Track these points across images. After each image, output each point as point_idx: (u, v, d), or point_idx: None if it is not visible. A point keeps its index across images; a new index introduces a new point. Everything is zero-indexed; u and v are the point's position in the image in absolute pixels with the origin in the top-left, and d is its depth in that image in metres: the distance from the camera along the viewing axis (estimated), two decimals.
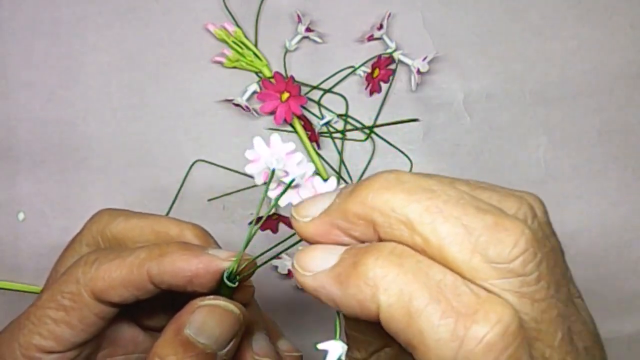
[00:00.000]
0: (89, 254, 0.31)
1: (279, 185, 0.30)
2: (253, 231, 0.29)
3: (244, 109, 0.43)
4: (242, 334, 0.29)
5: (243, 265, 0.29)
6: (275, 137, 0.30)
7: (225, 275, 0.29)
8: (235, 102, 0.43)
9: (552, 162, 0.44)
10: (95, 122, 0.44)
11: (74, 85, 0.44)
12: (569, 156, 0.45)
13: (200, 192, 0.44)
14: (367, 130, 0.44)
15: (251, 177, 0.30)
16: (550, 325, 0.21)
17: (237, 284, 0.29)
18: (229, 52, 0.43)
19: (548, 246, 0.22)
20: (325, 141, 0.44)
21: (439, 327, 0.20)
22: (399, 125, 0.44)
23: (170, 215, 0.44)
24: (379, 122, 0.44)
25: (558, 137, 0.45)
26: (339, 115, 0.44)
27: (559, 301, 0.22)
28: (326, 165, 0.44)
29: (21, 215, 0.44)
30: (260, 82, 0.43)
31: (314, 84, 0.44)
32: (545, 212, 0.24)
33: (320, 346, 0.24)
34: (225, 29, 0.43)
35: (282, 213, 0.43)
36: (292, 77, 0.42)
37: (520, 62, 0.44)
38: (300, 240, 0.25)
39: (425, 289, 0.21)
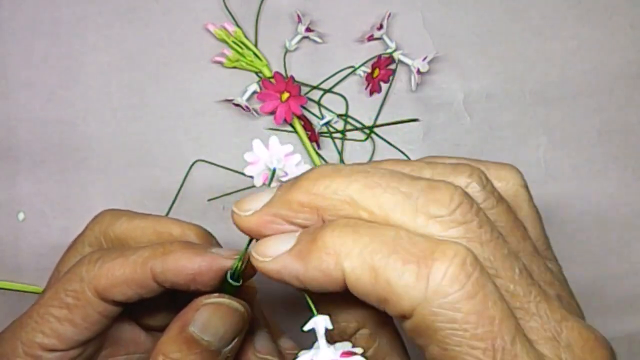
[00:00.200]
0: (93, 253, 0.31)
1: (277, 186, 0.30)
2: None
3: (244, 109, 0.43)
4: (245, 332, 0.30)
5: (245, 264, 0.29)
6: (273, 139, 0.30)
7: (229, 274, 0.29)
8: (235, 102, 0.43)
9: (552, 162, 0.44)
10: (95, 122, 0.44)
11: (74, 85, 0.44)
12: (569, 156, 0.45)
13: (200, 192, 0.44)
14: (367, 130, 0.44)
15: (251, 178, 0.30)
16: (504, 262, 0.23)
17: (240, 282, 0.29)
18: (229, 52, 0.43)
19: (493, 203, 0.25)
20: (325, 141, 0.44)
21: (403, 273, 0.22)
22: (399, 125, 0.44)
23: (170, 215, 0.44)
24: (379, 122, 0.44)
25: (558, 137, 0.45)
26: (339, 115, 0.44)
27: (508, 242, 0.24)
28: None
29: (21, 215, 0.44)
30: (260, 82, 0.43)
31: (314, 84, 0.44)
32: (515, 180, 0.27)
33: (306, 327, 0.24)
34: (225, 29, 0.43)
35: None
36: (292, 77, 0.42)
37: (520, 62, 0.44)
38: None
39: (383, 245, 0.23)
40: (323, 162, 0.44)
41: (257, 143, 0.30)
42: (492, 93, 0.44)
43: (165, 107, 0.44)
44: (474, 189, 0.25)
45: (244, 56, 0.43)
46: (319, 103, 0.44)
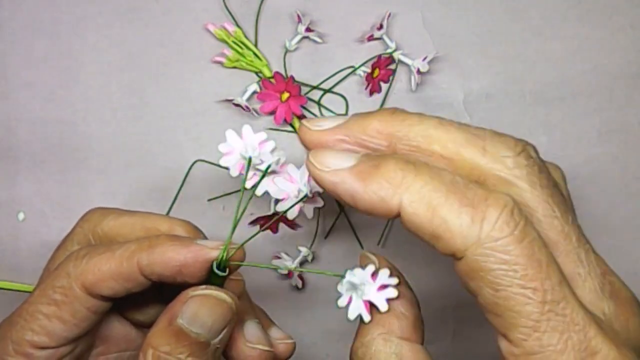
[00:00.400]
0: (79, 250, 0.31)
1: (254, 174, 0.30)
2: (238, 217, 0.29)
3: (244, 109, 0.43)
4: (235, 322, 0.30)
5: (231, 254, 0.29)
6: (246, 127, 0.30)
7: (214, 265, 0.29)
8: (235, 102, 0.43)
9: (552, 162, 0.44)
10: (95, 122, 0.44)
11: (74, 85, 0.44)
12: (569, 156, 0.45)
13: (200, 192, 0.44)
14: None
15: (227, 169, 0.30)
16: (560, 206, 0.26)
17: (227, 272, 0.29)
18: (229, 52, 0.43)
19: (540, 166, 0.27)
20: None
21: (460, 214, 0.24)
22: None
23: (171, 215, 0.44)
24: None
25: (558, 137, 0.45)
26: (339, 115, 0.44)
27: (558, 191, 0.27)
28: None
29: (21, 215, 0.44)
30: (260, 82, 0.43)
31: (314, 84, 0.44)
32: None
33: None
34: (225, 29, 0.43)
35: None
36: (292, 77, 0.42)
37: (520, 62, 0.44)
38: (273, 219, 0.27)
39: (442, 185, 0.25)
40: None
41: (230, 133, 0.31)
42: (492, 93, 0.44)
43: (165, 107, 0.44)
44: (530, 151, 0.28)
45: (244, 56, 0.43)
46: (319, 103, 0.44)
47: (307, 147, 0.29)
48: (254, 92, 0.43)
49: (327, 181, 0.27)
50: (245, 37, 0.44)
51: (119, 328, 0.34)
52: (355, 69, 0.44)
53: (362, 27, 0.44)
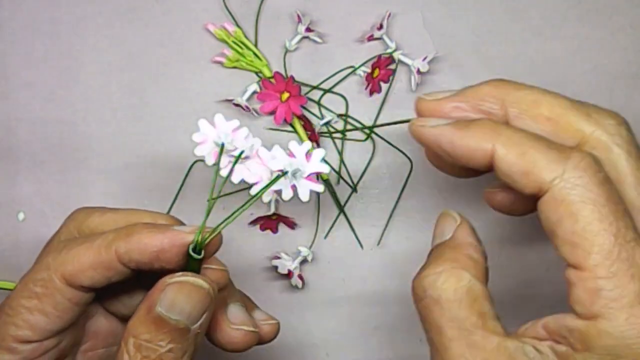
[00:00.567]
0: (59, 242, 0.32)
1: (229, 163, 0.31)
2: (211, 205, 0.30)
3: (244, 109, 0.43)
4: (214, 306, 0.30)
5: (207, 237, 0.30)
6: (219, 116, 0.31)
7: (190, 247, 0.29)
8: (235, 102, 0.43)
9: None
10: (95, 122, 0.44)
11: (74, 85, 0.44)
12: None
13: (200, 192, 0.44)
14: (367, 130, 0.44)
15: (203, 161, 0.30)
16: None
17: (202, 255, 0.30)
18: (229, 52, 0.43)
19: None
20: (325, 141, 0.44)
21: (548, 152, 0.28)
22: (399, 125, 0.44)
23: (171, 214, 0.43)
24: (378, 122, 0.44)
25: None
26: (339, 115, 0.44)
27: None
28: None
29: (21, 215, 0.44)
30: (260, 82, 0.43)
31: (314, 84, 0.44)
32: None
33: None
34: (225, 29, 0.43)
35: (282, 213, 0.43)
36: (292, 77, 0.42)
37: (520, 62, 0.44)
38: (248, 202, 0.29)
39: (531, 135, 0.29)
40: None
41: (202, 122, 0.31)
42: None
43: (165, 107, 0.44)
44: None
45: (244, 56, 0.43)
46: (319, 103, 0.44)
47: (423, 116, 0.33)
48: (254, 92, 0.43)
49: (429, 134, 0.31)
50: (245, 37, 0.44)
51: (105, 323, 0.34)
52: (355, 69, 0.44)
53: (362, 27, 0.44)
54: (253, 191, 0.31)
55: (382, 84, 0.44)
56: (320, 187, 0.31)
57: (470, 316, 0.29)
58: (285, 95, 0.42)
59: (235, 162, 0.31)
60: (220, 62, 0.44)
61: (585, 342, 0.27)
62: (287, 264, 0.43)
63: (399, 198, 0.44)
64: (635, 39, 0.45)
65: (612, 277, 0.26)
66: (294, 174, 0.31)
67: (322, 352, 0.44)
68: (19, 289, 0.31)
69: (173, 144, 0.44)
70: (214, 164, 0.31)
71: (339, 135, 0.44)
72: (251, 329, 0.32)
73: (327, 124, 0.44)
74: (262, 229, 0.44)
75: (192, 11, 0.44)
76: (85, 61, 0.44)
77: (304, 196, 0.31)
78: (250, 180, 0.31)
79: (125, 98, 0.44)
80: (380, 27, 0.43)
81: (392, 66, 0.44)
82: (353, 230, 0.44)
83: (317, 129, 0.43)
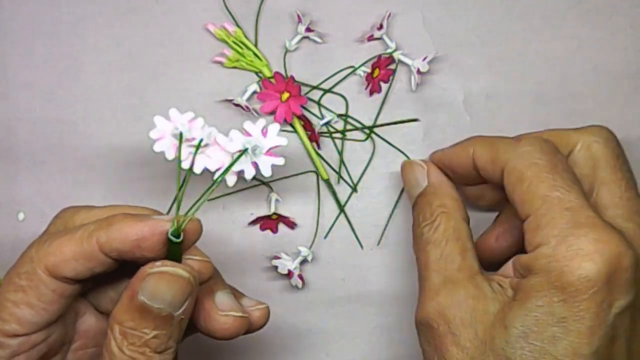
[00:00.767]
0: (42, 235, 0.32)
1: (189, 154, 0.31)
2: (181, 194, 0.30)
3: (244, 109, 0.43)
4: (197, 292, 0.30)
5: (185, 221, 0.30)
6: (173, 110, 0.31)
7: (169, 232, 0.30)
8: (235, 102, 0.43)
9: None
10: (95, 122, 0.44)
11: (74, 85, 0.44)
12: None
13: (200, 192, 0.44)
14: (367, 130, 0.44)
15: (166, 158, 0.31)
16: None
17: (181, 238, 0.30)
18: (229, 52, 0.43)
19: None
20: (325, 141, 0.44)
21: (507, 142, 0.36)
22: (399, 125, 0.44)
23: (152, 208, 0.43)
24: (379, 122, 0.44)
25: None
26: (339, 115, 0.44)
27: None
28: (326, 165, 0.44)
29: (21, 215, 0.44)
30: (260, 82, 0.43)
31: (314, 84, 0.44)
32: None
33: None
34: (225, 29, 0.43)
35: (282, 213, 0.43)
36: (292, 77, 0.42)
37: (520, 62, 0.44)
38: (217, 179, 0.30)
39: (500, 137, 0.38)
40: (323, 162, 0.44)
41: (158, 118, 0.32)
42: (492, 93, 0.44)
43: (165, 107, 0.44)
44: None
45: (244, 56, 0.43)
46: (319, 103, 0.44)
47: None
48: (254, 92, 0.43)
49: (436, 157, 0.41)
50: (245, 37, 0.44)
51: (95, 322, 0.35)
52: (355, 69, 0.44)
53: (362, 27, 0.44)
54: (217, 177, 0.31)
55: (382, 84, 0.44)
56: (280, 160, 0.32)
57: (453, 252, 0.36)
58: (285, 95, 0.42)
59: (196, 151, 0.31)
60: (220, 62, 0.44)
61: (528, 268, 0.32)
62: (287, 264, 0.43)
63: (399, 198, 0.44)
64: (635, 39, 0.45)
65: (546, 214, 0.32)
66: (253, 151, 0.31)
67: (322, 352, 0.44)
68: (4, 283, 0.31)
69: None
70: (175, 158, 0.31)
71: (339, 135, 0.44)
72: (240, 314, 0.33)
73: (327, 124, 0.44)
74: (262, 229, 0.44)
75: (192, 11, 0.44)
76: (85, 61, 0.44)
77: (266, 171, 0.32)
78: (213, 168, 0.32)
79: (125, 98, 0.44)
80: (380, 27, 0.43)
81: (392, 66, 0.44)
82: (353, 230, 0.44)
83: (317, 129, 0.43)
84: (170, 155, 0.32)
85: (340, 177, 0.44)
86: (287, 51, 0.44)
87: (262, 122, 0.32)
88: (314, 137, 0.43)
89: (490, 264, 0.39)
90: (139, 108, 0.44)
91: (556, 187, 0.32)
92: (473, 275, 0.35)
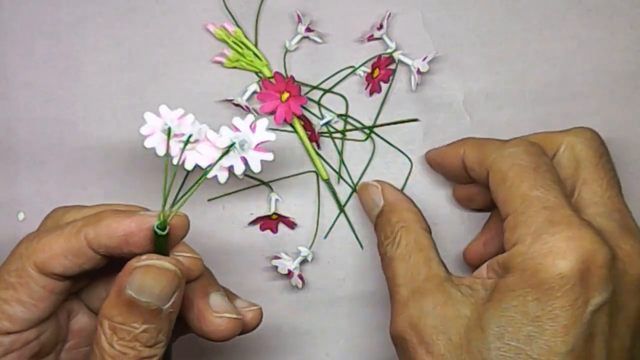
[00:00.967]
0: (30, 232, 0.32)
1: (180, 150, 0.31)
2: (168, 188, 0.30)
3: (244, 109, 0.43)
4: (184, 286, 0.30)
5: (171, 215, 0.30)
6: (163, 107, 0.32)
7: (156, 225, 0.30)
8: (235, 102, 0.43)
9: None
10: (95, 122, 0.44)
11: (74, 85, 0.44)
12: None
13: (200, 192, 0.44)
14: (367, 130, 0.44)
15: (156, 155, 0.31)
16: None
17: (167, 231, 0.30)
18: (229, 52, 0.43)
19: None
20: (325, 141, 0.44)
21: (495, 144, 0.37)
22: (399, 125, 0.44)
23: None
24: (379, 121, 0.44)
25: None
26: (339, 115, 0.44)
27: None
28: (326, 165, 0.44)
29: (21, 215, 0.44)
30: (260, 82, 0.43)
31: (314, 83, 0.44)
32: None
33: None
34: (225, 29, 0.43)
35: (282, 213, 0.43)
36: (292, 77, 0.42)
37: (520, 62, 0.44)
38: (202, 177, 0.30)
39: (488, 139, 0.40)
40: (323, 162, 0.44)
41: (148, 115, 0.32)
42: (492, 93, 0.44)
43: None
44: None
45: (244, 56, 0.43)
46: (319, 103, 0.44)
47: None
48: (254, 92, 0.43)
49: (430, 155, 0.43)
50: (245, 37, 0.44)
51: (88, 321, 0.35)
52: (355, 69, 0.44)
53: (362, 27, 0.44)
54: (210, 174, 0.32)
55: (382, 84, 0.44)
56: (269, 156, 0.32)
57: (417, 264, 0.36)
58: (285, 95, 0.42)
59: (185, 145, 0.31)
60: (220, 62, 0.44)
61: (505, 267, 0.32)
62: (287, 264, 0.43)
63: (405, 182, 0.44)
64: (635, 39, 0.45)
65: (524, 212, 0.32)
66: (241, 146, 0.32)
67: (322, 352, 0.44)
68: None
69: None
70: (165, 154, 0.31)
71: (339, 135, 0.44)
72: (234, 315, 0.33)
73: (327, 124, 0.44)
74: (262, 229, 0.44)
75: (192, 11, 0.44)
76: (85, 61, 0.44)
77: (256, 167, 0.32)
78: (204, 164, 0.32)
79: (125, 98, 0.44)
80: (380, 27, 0.43)
81: (392, 66, 0.44)
82: (353, 230, 0.44)
83: (317, 129, 0.43)
84: (161, 151, 0.32)
85: (340, 177, 0.44)
86: (287, 51, 0.44)
87: (250, 117, 0.32)
88: (313, 137, 0.43)
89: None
90: (139, 108, 0.44)
91: (536, 186, 0.33)
92: (440, 283, 0.35)
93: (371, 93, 0.44)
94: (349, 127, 0.44)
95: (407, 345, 0.34)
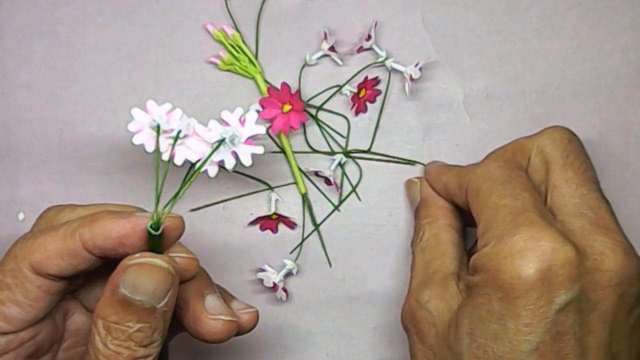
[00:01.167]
0: (26, 233, 0.32)
1: (169, 146, 0.31)
2: (160, 189, 0.30)
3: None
4: (178, 284, 0.31)
5: (165, 214, 0.30)
6: (150, 102, 0.32)
7: (149, 225, 0.30)
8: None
9: None
10: (95, 122, 0.44)
11: (74, 85, 0.44)
12: None
13: (199, 193, 0.44)
14: (365, 151, 0.44)
15: (147, 151, 0.31)
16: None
17: (160, 231, 0.30)
18: (225, 55, 0.43)
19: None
20: (327, 158, 0.44)
21: (472, 167, 0.39)
22: (399, 125, 0.44)
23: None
24: (378, 132, 0.44)
25: None
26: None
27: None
28: (308, 182, 0.44)
29: (21, 215, 0.44)
30: (267, 89, 0.43)
31: (306, 98, 0.44)
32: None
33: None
34: (224, 31, 0.43)
35: (282, 213, 0.43)
36: (298, 92, 0.41)
37: (520, 62, 0.44)
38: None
39: (467, 166, 0.41)
40: (308, 178, 0.44)
41: (136, 111, 0.32)
42: (492, 93, 0.44)
43: None
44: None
45: (238, 60, 0.43)
46: (315, 118, 0.44)
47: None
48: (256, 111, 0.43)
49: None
50: (243, 42, 0.43)
51: (85, 321, 0.35)
52: (340, 88, 0.43)
53: (351, 40, 0.44)
54: (197, 167, 0.32)
55: (368, 103, 0.44)
56: (260, 149, 0.32)
57: (432, 257, 0.38)
58: (287, 107, 0.41)
59: (175, 141, 0.31)
60: (214, 64, 0.44)
61: (474, 267, 0.34)
62: (271, 277, 0.43)
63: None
64: (635, 39, 0.45)
65: (492, 219, 0.33)
66: (231, 141, 0.32)
67: (322, 352, 0.44)
68: None
69: None
70: (155, 150, 0.31)
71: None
72: (230, 318, 0.33)
73: (339, 164, 0.44)
74: (262, 229, 0.44)
75: (192, 11, 0.44)
76: (85, 61, 0.44)
77: (246, 161, 0.32)
78: (193, 159, 0.32)
79: (125, 98, 0.44)
80: (369, 37, 0.43)
81: (385, 75, 0.43)
82: (324, 247, 0.44)
83: (326, 174, 0.43)
84: (150, 147, 0.32)
85: (324, 195, 0.44)
86: (305, 64, 0.44)
87: (239, 110, 0.32)
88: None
89: None
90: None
91: (505, 196, 0.34)
92: (444, 277, 0.36)
93: (357, 113, 0.44)
94: (350, 147, 0.44)
95: (408, 333, 0.37)
